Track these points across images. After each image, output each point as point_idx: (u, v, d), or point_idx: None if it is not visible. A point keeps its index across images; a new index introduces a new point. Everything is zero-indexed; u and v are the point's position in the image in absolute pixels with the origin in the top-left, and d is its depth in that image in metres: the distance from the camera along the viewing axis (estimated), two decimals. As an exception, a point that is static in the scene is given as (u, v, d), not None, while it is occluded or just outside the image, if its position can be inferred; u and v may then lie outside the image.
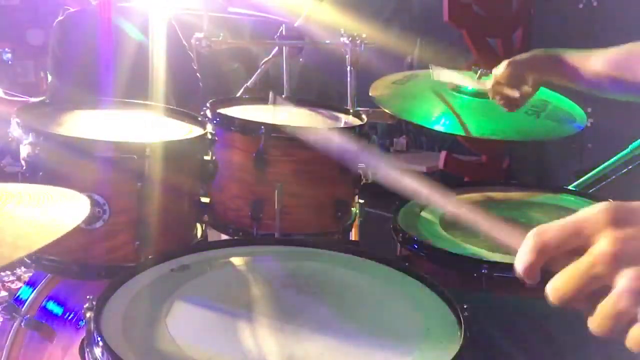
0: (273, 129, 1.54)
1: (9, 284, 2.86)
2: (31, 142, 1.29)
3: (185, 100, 2.38)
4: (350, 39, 2.04)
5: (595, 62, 1.43)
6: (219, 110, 1.66)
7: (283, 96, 2.26)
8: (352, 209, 1.74)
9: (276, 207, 1.49)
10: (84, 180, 1.29)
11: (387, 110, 1.74)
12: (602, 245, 0.55)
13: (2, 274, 2.84)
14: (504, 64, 1.53)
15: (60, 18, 2.48)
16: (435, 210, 1.69)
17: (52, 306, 1.48)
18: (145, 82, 2.14)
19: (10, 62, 5.39)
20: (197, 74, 2.68)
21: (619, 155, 2.10)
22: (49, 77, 2.55)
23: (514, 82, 1.52)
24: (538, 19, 3.73)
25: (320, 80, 4.53)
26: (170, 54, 2.38)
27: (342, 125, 1.78)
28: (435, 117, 1.70)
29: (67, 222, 0.86)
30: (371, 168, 1.23)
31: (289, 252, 1.33)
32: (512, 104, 1.56)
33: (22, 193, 0.95)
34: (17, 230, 0.83)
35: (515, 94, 1.51)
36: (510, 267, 1.43)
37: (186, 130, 1.53)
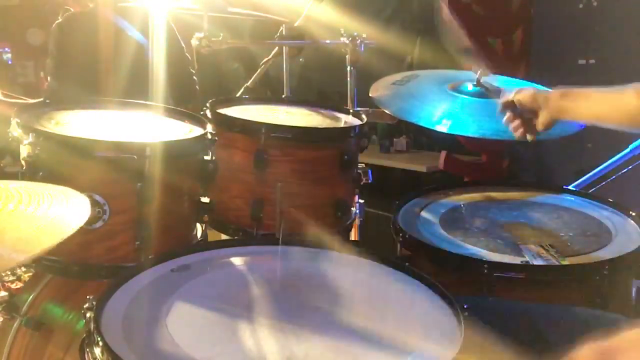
0: (273, 128, 1.54)
1: (9, 284, 2.86)
2: (31, 142, 1.28)
3: (182, 103, 2.37)
4: (350, 39, 2.04)
5: (630, 97, 1.28)
6: (219, 110, 1.66)
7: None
8: (352, 209, 1.74)
9: (276, 207, 1.49)
10: (84, 180, 1.29)
11: (387, 110, 1.74)
12: None
13: (2, 274, 2.84)
14: (529, 90, 1.44)
15: (59, 20, 2.47)
16: (435, 210, 1.69)
17: (52, 306, 1.47)
18: (145, 83, 2.13)
19: (10, 62, 5.39)
20: (194, 77, 2.67)
21: (619, 155, 2.10)
22: (48, 79, 2.55)
23: (530, 111, 1.44)
24: (538, 19, 3.73)
25: (320, 80, 4.52)
26: (168, 56, 2.37)
27: (342, 125, 1.78)
28: (435, 117, 1.70)
29: (68, 224, 0.86)
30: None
31: (289, 252, 1.33)
32: (519, 129, 1.47)
33: (22, 193, 0.95)
34: (18, 232, 0.82)
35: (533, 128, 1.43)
36: (509, 267, 1.43)
37: (186, 130, 1.53)
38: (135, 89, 2.04)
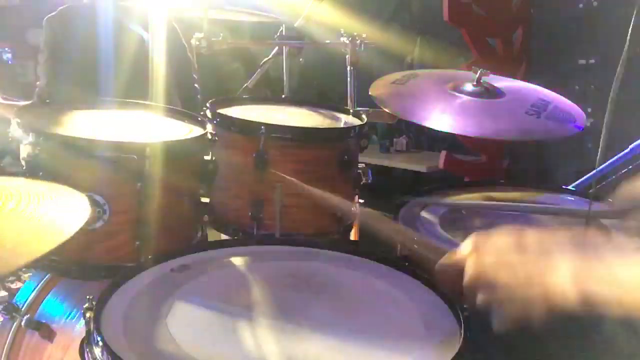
0: (273, 129, 1.54)
1: (9, 284, 2.86)
2: (31, 142, 1.29)
3: (183, 104, 2.34)
4: (350, 39, 2.04)
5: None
6: (219, 110, 1.66)
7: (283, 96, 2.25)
8: (352, 208, 1.74)
9: (276, 207, 1.49)
10: (84, 180, 1.29)
11: (387, 110, 1.74)
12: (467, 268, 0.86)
13: (2, 274, 2.83)
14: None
15: (51, 14, 2.35)
16: (435, 210, 1.69)
17: (52, 306, 1.47)
18: (146, 82, 2.09)
19: (10, 62, 5.39)
20: (195, 76, 2.65)
21: (618, 155, 2.10)
22: (40, 79, 2.38)
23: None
24: (538, 19, 3.74)
25: (320, 80, 4.53)
26: (171, 57, 2.32)
27: (342, 125, 1.78)
28: (435, 117, 1.70)
29: (68, 226, 0.86)
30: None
31: (289, 252, 1.33)
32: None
33: (22, 192, 0.95)
34: (17, 235, 0.82)
35: None
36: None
37: (186, 130, 1.53)
38: (137, 89, 1.99)
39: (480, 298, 0.80)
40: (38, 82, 2.44)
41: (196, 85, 2.66)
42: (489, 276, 0.81)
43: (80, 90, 2.16)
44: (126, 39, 2.31)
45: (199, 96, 2.67)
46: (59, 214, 0.91)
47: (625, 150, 2.09)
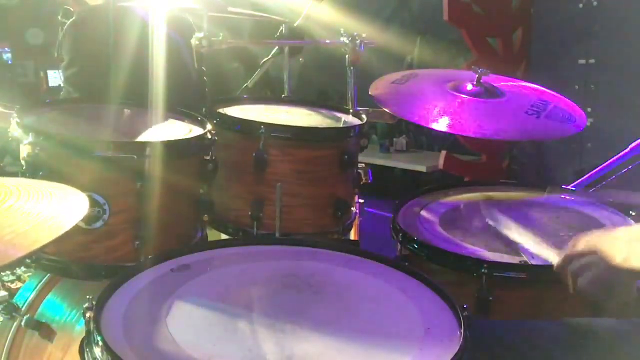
0: (273, 129, 1.55)
1: (9, 284, 2.86)
2: (31, 142, 1.29)
3: (194, 101, 2.27)
4: (350, 39, 2.04)
5: None
6: (219, 110, 1.66)
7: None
8: (352, 209, 1.74)
9: (276, 207, 1.49)
10: (84, 180, 1.29)
11: (387, 110, 1.74)
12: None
13: (2, 274, 2.83)
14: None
15: (73, 19, 2.27)
16: (435, 210, 1.69)
17: (52, 306, 1.48)
18: (179, 81, 1.92)
19: (10, 62, 5.38)
20: (204, 68, 2.59)
21: (618, 155, 2.10)
22: (70, 92, 2.33)
23: None
24: (538, 19, 3.73)
25: (320, 80, 4.53)
26: (193, 51, 2.18)
27: (342, 125, 1.78)
28: (435, 117, 1.70)
29: (65, 221, 0.86)
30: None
31: (289, 252, 1.33)
32: None
33: (21, 189, 0.95)
34: (15, 229, 0.82)
35: None
36: (509, 267, 1.43)
37: (186, 130, 1.53)
38: (173, 93, 1.84)
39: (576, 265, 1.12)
40: (62, 93, 2.34)
41: (205, 78, 2.64)
42: (582, 252, 1.12)
43: (107, 97, 2.01)
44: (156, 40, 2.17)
45: (206, 89, 2.63)
46: (58, 210, 0.91)
47: (626, 150, 2.09)
